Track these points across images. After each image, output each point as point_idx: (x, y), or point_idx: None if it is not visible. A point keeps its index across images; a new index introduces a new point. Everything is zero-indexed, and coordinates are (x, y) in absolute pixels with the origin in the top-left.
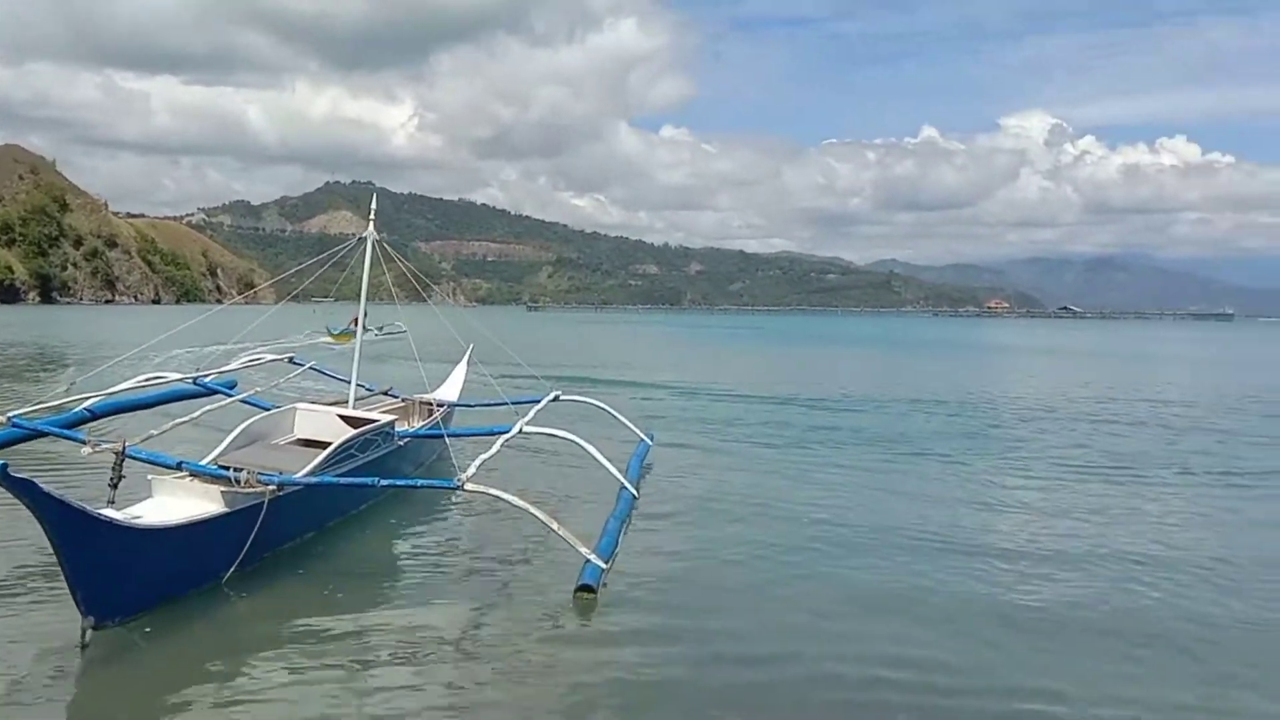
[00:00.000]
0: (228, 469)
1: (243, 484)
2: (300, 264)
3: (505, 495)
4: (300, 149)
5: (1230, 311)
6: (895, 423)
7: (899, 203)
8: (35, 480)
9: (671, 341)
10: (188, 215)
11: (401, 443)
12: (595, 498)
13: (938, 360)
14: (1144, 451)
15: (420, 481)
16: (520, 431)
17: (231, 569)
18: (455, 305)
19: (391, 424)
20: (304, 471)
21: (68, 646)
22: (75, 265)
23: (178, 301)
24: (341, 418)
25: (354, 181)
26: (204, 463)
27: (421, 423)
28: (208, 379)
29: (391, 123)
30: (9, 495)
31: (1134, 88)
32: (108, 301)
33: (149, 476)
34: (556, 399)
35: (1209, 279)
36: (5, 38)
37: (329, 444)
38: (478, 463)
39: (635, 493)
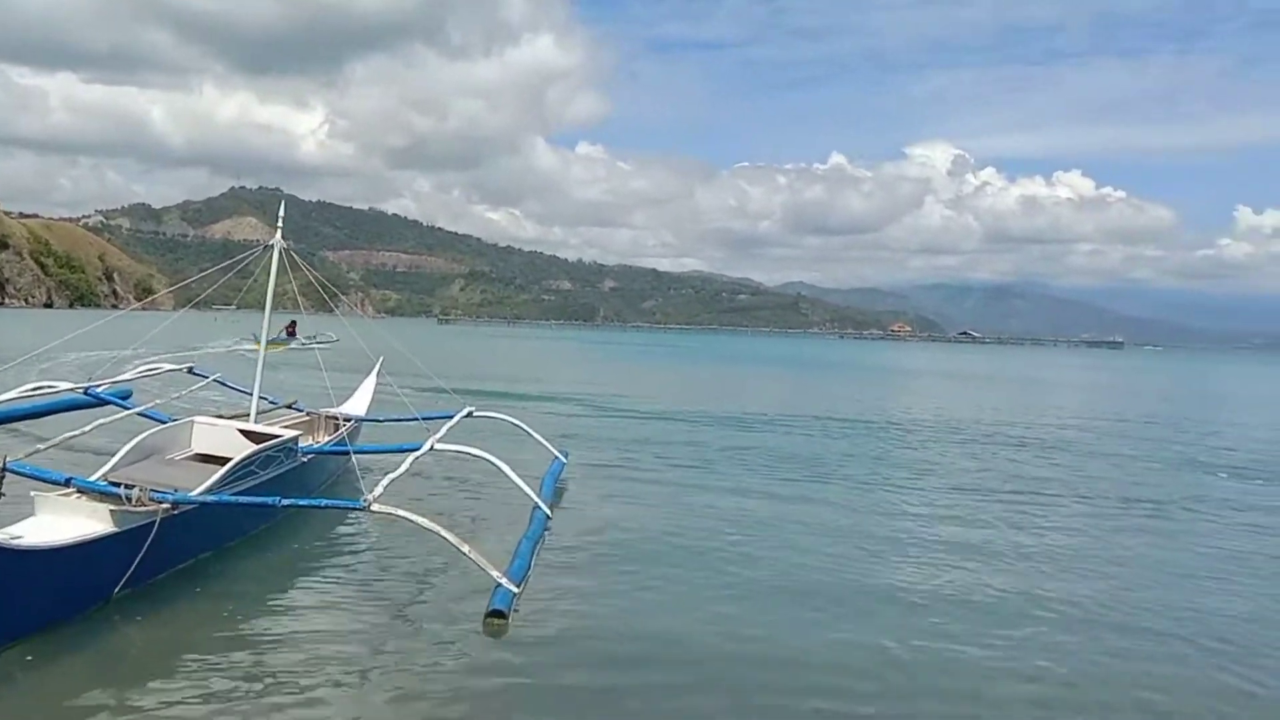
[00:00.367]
0: (118, 485)
1: (134, 501)
2: (203, 270)
3: (413, 516)
4: (205, 152)
5: (1120, 340)
6: (806, 443)
7: (808, 226)
8: None
9: (586, 358)
10: (85, 217)
11: (305, 459)
12: (508, 517)
13: (845, 381)
14: (1045, 476)
15: (324, 501)
16: (431, 449)
17: (122, 591)
18: (363, 316)
19: (295, 440)
20: (200, 489)
21: None
22: None
23: (71, 306)
24: (242, 432)
25: (261, 187)
26: (93, 479)
27: (328, 438)
28: (100, 389)
29: (301, 129)
30: None
31: (1033, 122)
32: None
33: (32, 493)
34: (470, 415)
35: (1101, 308)
36: None
37: (229, 460)
38: (385, 482)
39: (549, 512)
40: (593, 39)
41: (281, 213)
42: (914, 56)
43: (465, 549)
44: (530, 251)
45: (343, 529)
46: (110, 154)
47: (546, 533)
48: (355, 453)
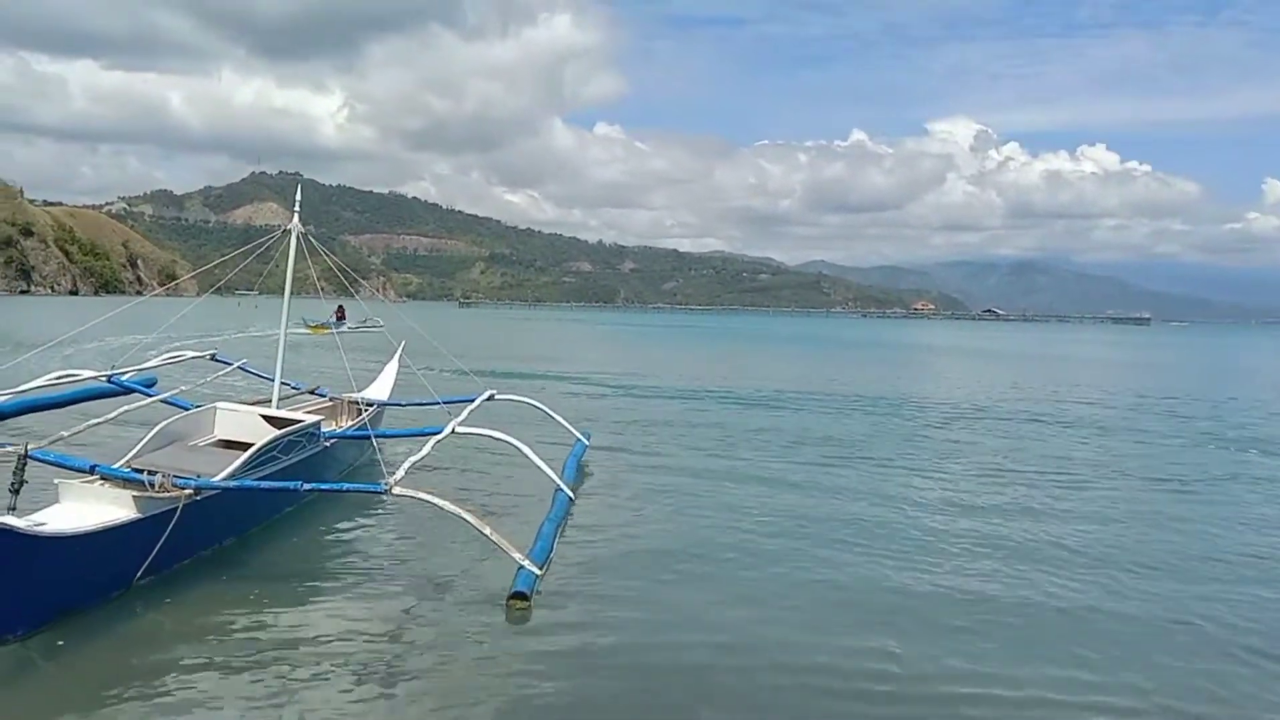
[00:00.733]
0: (142, 472)
1: (157, 488)
2: (224, 255)
3: (435, 499)
4: (226, 137)
5: (1148, 316)
6: (830, 422)
7: (829, 204)
8: None
9: (606, 339)
10: (108, 204)
11: (328, 444)
12: (530, 500)
13: (870, 360)
14: (1077, 454)
15: (346, 485)
16: (453, 432)
17: (146, 577)
18: (384, 300)
19: (317, 424)
20: (223, 475)
21: None
22: None
23: (96, 293)
24: (265, 418)
25: (281, 172)
26: (117, 466)
27: (350, 423)
28: (124, 377)
29: (320, 113)
30: None
31: (1055, 96)
32: (23, 292)
33: (56, 481)
34: (491, 398)
35: (1126, 283)
36: None
37: (251, 445)
38: (407, 465)
39: (571, 494)
40: (609, 17)
41: (298, 197)
42: (932, 31)
43: (487, 531)
44: (550, 234)
45: (365, 512)
46: (131, 140)
47: (569, 515)
48: (376, 437)
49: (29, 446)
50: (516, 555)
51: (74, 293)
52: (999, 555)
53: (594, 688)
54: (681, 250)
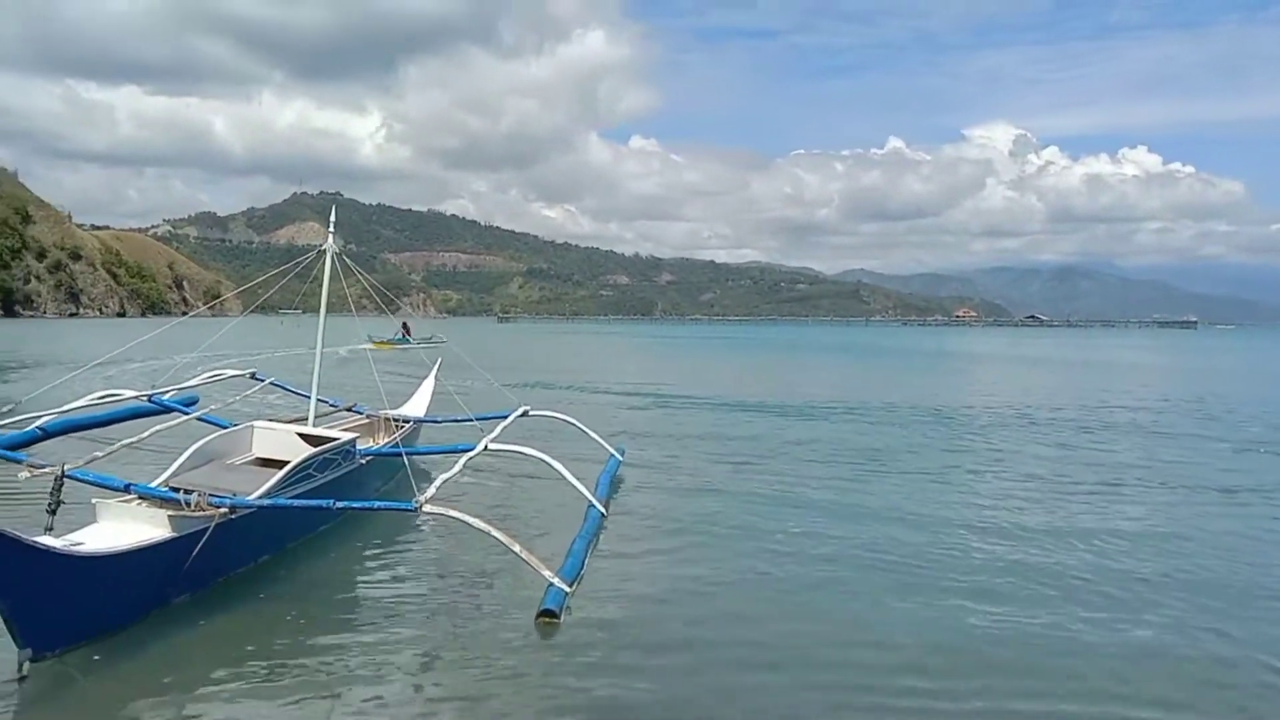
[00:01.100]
0: (178, 491)
1: (193, 506)
2: (267, 275)
3: (465, 516)
4: (267, 159)
5: (1194, 319)
6: (872, 433)
7: (866, 213)
8: None
9: (643, 351)
10: (153, 227)
11: (363, 461)
12: (562, 516)
13: (912, 368)
14: (1132, 462)
15: (377, 504)
16: (485, 449)
17: (181, 595)
18: (424, 317)
19: (352, 442)
20: (258, 493)
21: (3, 679)
22: (38, 278)
23: (143, 314)
24: (301, 436)
25: (321, 192)
26: (154, 485)
27: (386, 440)
28: (165, 396)
29: (359, 133)
30: None
31: (1093, 99)
32: (72, 315)
33: (93, 500)
34: (525, 414)
35: (1170, 286)
36: None
37: (287, 463)
38: (438, 482)
39: (604, 511)
40: (640, 32)
41: (333, 218)
42: (964, 38)
43: (516, 548)
44: (587, 248)
45: (399, 530)
46: (175, 164)
47: (601, 531)
48: (410, 454)
49: (66, 466)
50: (546, 573)
51: (121, 314)
52: (1057, 587)
53: (622, 708)
54: (718, 261)
